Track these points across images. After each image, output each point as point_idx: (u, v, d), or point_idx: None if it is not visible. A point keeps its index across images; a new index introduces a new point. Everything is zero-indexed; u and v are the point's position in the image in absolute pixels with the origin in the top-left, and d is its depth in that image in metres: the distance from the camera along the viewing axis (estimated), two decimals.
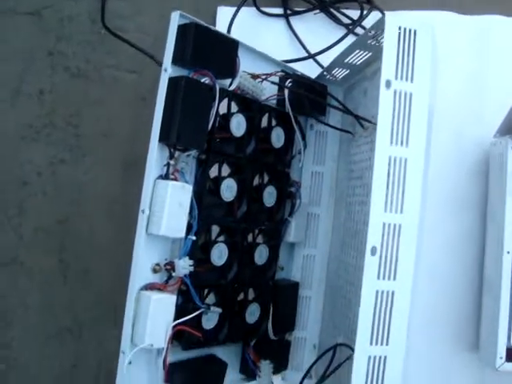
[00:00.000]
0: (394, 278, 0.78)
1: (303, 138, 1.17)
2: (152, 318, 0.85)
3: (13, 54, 1.36)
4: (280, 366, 1.13)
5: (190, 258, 0.90)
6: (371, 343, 0.77)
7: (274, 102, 1.12)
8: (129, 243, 0.89)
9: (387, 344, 0.77)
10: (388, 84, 0.81)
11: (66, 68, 1.38)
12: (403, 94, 0.81)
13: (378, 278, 0.77)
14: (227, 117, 0.98)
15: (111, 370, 0.87)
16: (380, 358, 0.78)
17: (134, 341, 0.86)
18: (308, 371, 1.03)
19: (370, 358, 0.77)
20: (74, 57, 1.38)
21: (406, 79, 0.81)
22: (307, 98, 1.10)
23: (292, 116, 1.11)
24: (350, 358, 0.95)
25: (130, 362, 0.86)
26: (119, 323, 0.87)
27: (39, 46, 1.38)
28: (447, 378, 1.22)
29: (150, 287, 0.88)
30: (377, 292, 0.77)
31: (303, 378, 1.04)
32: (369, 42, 0.96)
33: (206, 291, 0.97)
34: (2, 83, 1.34)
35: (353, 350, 0.93)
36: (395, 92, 0.80)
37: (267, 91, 1.09)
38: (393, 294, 0.78)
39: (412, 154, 0.80)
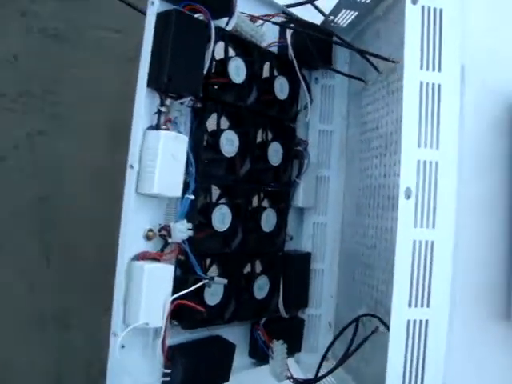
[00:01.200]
0: (433, 226, 0.65)
1: (309, 90, 1.04)
2: (147, 292, 0.73)
3: None
4: (293, 347, 1.01)
5: (189, 222, 0.77)
6: (410, 305, 0.65)
7: (275, 50, 0.99)
8: (118, 220, 0.77)
9: (428, 306, 0.65)
10: None
11: (42, 29, 1.24)
12: (432, 9, 0.68)
13: (415, 226, 0.65)
14: (225, 61, 0.85)
15: (104, 362, 0.74)
16: (421, 322, 0.65)
17: (127, 320, 0.74)
18: (327, 351, 0.91)
19: (408, 322, 0.65)
20: (50, 17, 1.24)
21: None
22: (312, 43, 0.97)
23: (296, 64, 0.97)
24: (376, 330, 0.83)
25: (122, 346, 0.74)
26: (111, 308, 0.74)
27: (10, 7, 1.24)
28: (479, 347, 1.11)
29: (142, 257, 0.76)
30: (414, 242, 0.64)
31: (322, 360, 0.91)
32: None
33: (208, 262, 0.84)
34: None
35: (381, 319, 0.81)
36: (423, 8, 0.67)
37: (268, 37, 0.96)
38: (432, 244, 0.65)
39: (446, 79, 0.67)
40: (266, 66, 0.95)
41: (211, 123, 0.84)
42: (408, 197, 0.65)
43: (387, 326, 0.79)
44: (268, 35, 0.96)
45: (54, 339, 1.14)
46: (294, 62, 0.98)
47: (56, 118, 1.20)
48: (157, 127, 0.76)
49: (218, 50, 0.86)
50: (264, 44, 0.95)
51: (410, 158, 0.66)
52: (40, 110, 1.20)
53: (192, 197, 0.78)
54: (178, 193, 0.76)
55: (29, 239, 1.16)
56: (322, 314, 1.06)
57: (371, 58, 0.91)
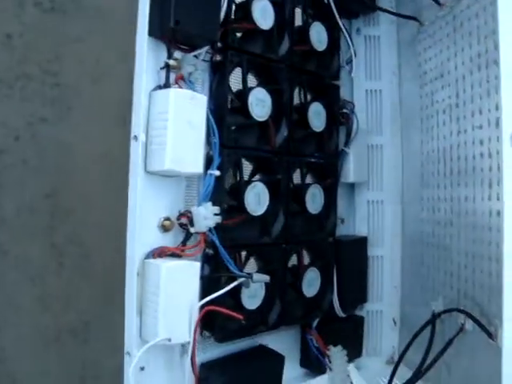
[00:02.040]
0: None
1: (351, 41, 0.85)
2: (166, 298, 0.56)
3: None
4: (353, 351, 0.83)
5: (215, 205, 0.60)
6: None
7: None
8: None
9: None
10: None
11: (37, 3, 1.08)
12: None
13: None
14: (247, 3, 0.67)
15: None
16: None
17: (144, 335, 0.57)
18: (399, 361, 0.72)
19: None
20: None
21: None
22: None
23: (334, 7, 0.79)
24: (462, 329, 0.65)
25: (142, 368, 0.57)
26: None
27: None
28: None
29: (159, 253, 0.59)
30: None
31: (395, 371, 0.73)
32: None
33: (243, 255, 0.67)
34: None
35: (469, 314, 0.63)
36: None
37: None
38: None
39: None
40: (298, 11, 0.76)
41: (236, 80, 0.67)
42: None
43: (479, 323, 0.61)
44: None
45: (71, 353, 0.99)
46: (332, 4, 0.80)
47: (58, 101, 1.04)
48: (165, 86, 0.59)
49: None
50: None
51: None
52: (40, 95, 1.04)
53: (217, 173, 0.61)
54: (199, 169, 0.59)
55: (37, 242, 1.01)
56: (384, 309, 0.89)
57: None
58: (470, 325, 0.66)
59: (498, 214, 0.58)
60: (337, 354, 0.77)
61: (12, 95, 1.05)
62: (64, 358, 1.00)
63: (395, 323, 0.89)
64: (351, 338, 0.85)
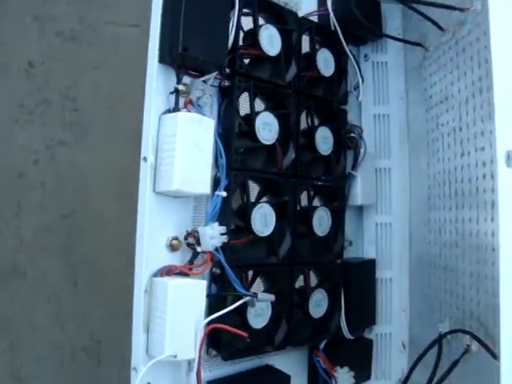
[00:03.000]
0: None
1: (358, 68, 0.87)
2: (173, 315, 0.58)
3: None
4: (361, 374, 0.83)
5: (221, 225, 0.62)
6: None
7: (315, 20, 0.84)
8: None
9: None
10: None
11: (58, 32, 1.13)
12: None
13: None
14: (255, 30, 0.70)
15: None
16: None
17: (150, 351, 0.58)
18: (407, 378, 0.73)
19: None
20: (64, 18, 1.13)
21: None
22: (358, 9, 0.81)
23: (341, 34, 0.82)
24: (468, 349, 0.65)
25: None
26: None
27: (23, 11, 1.13)
28: None
29: (166, 271, 0.61)
30: None
31: None
32: None
33: (250, 274, 0.68)
34: None
35: (473, 335, 0.63)
36: None
37: (304, 6, 0.81)
38: None
39: None
40: (305, 39, 0.79)
41: (244, 105, 0.69)
42: (509, 163, 0.47)
43: (483, 344, 0.61)
44: (305, 3, 0.81)
45: (86, 371, 1.00)
46: (339, 31, 0.82)
47: (76, 125, 1.08)
48: (174, 110, 0.61)
49: (247, 21, 0.71)
50: (300, 14, 0.80)
51: (507, 116, 0.48)
52: (59, 119, 1.08)
53: (224, 194, 0.63)
54: (206, 189, 0.61)
55: (54, 262, 1.04)
56: (393, 332, 0.89)
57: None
58: (475, 346, 0.66)
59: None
60: (343, 375, 0.77)
61: (32, 120, 1.09)
62: (78, 376, 1.01)
63: (404, 346, 0.88)
64: (359, 360, 0.84)
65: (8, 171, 1.06)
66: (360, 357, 0.85)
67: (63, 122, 1.09)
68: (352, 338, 0.82)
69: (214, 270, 0.66)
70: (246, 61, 0.70)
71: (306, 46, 0.80)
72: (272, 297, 0.65)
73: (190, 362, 0.62)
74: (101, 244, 1.03)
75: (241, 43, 0.70)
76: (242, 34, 0.71)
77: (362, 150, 0.86)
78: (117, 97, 1.08)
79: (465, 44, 0.70)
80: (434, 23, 0.76)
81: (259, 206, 0.68)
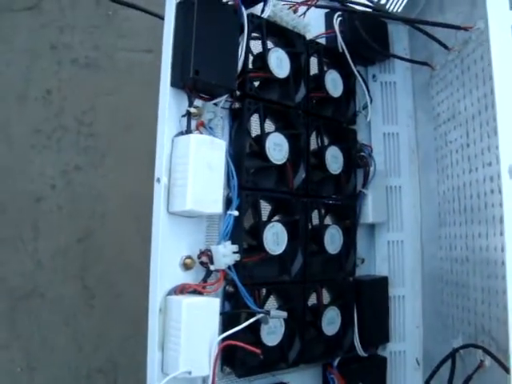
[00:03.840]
0: None
1: (367, 88, 0.89)
2: (187, 333, 0.59)
3: (14, 55, 1.16)
4: None
5: (234, 243, 0.63)
6: None
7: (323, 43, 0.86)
8: None
9: None
10: None
11: (74, 60, 1.17)
12: None
13: None
14: (263, 54, 0.72)
15: None
16: None
17: (165, 369, 0.59)
18: None
19: None
20: (80, 46, 1.17)
21: None
22: (366, 31, 0.83)
23: (349, 56, 0.83)
24: (481, 365, 0.65)
25: None
26: None
27: (41, 41, 1.17)
28: None
29: (180, 290, 0.62)
30: None
31: None
32: None
33: (263, 292, 0.69)
34: (6, 88, 1.14)
35: (486, 350, 0.63)
36: None
37: (312, 29, 0.83)
38: None
39: None
40: (314, 61, 0.81)
41: (254, 126, 0.71)
42: None
43: (495, 358, 0.62)
44: (312, 26, 0.83)
45: None
46: (346, 53, 0.84)
47: (92, 150, 1.11)
48: (187, 132, 0.63)
49: (256, 44, 0.74)
50: (309, 37, 0.82)
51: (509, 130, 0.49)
52: (75, 144, 1.11)
53: (236, 213, 0.65)
54: (218, 209, 0.63)
55: (70, 285, 1.05)
56: (407, 349, 0.89)
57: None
58: (488, 360, 0.66)
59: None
60: None
61: (49, 146, 1.12)
62: None
63: (418, 364, 0.88)
64: (374, 378, 0.84)
65: (26, 195, 1.09)
66: (374, 374, 0.85)
67: (79, 147, 1.12)
68: (366, 355, 0.82)
69: (227, 288, 0.67)
70: (256, 83, 0.72)
71: (314, 68, 0.82)
72: (285, 314, 0.66)
73: (204, 380, 0.63)
74: (117, 266, 1.05)
75: (250, 66, 0.72)
76: (251, 58, 0.72)
77: (372, 169, 0.87)
78: (132, 121, 1.11)
79: (470, 62, 0.71)
80: (440, 43, 0.77)
81: (271, 224, 0.69)
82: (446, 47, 0.77)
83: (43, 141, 1.12)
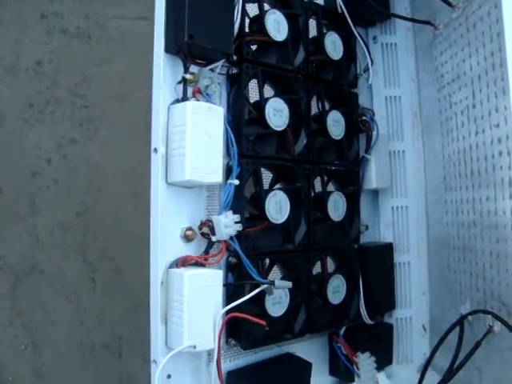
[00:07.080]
0: None
1: (367, 49, 0.86)
2: (190, 306, 0.57)
3: (1, 27, 1.12)
4: (382, 359, 0.82)
5: (235, 213, 0.61)
6: None
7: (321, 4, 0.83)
8: None
9: None
10: None
11: (64, 30, 1.13)
12: None
13: None
14: (260, 16, 0.69)
15: None
16: None
17: (169, 343, 0.58)
18: (427, 365, 0.72)
19: None
20: (70, 15, 1.13)
21: None
22: None
23: (348, 16, 0.80)
24: (490, 330, 0.64)
25: (168, 376, 0.58)
26: None
27: (30, 12, 1.13)
28: None
29: (182, 262, 0.60)
30: None
31: (422, 376, 0.72)
32: None
33: (267, 262, 0.68)
34: None
35: (496, 315, 0.62)
36: None
37: None
38: None
39: None
40: (312, 23, 0.78)
41: (253, 92, 0.68)
42: None
43: (505, 323, 0.60)
44: None
45: (107, 367, 1.01)
46: (346, 14, 0.81)
47: (86, 122, 1.08)
48: (183, 100, 0.61)
49: (252, 7, 0.71)
50: None
51: None
52: (69, 117, 1.08)
53: (236, 182, 0.63)
54: (218, 178, 0.61)
55: (71, 260, 1.04)
56: (413, 316, 0.88)
57: None
58: (497, 326, 0.65)
59: None
60: (365, 360, 0.77)
61: (43, 119, 1.09)
62: (100, 372, 1.02)
63: (425, 330, 0.88)
64: (380, 345, 0.84)
65: (21, 170, 1.07)
66: (381, 342, 0.84)
67: (73, 120, 1.09)
68: (372, 323, 0.81)
69: (229, 259, 0.65)
70: (253, 47, 0.69)
71: (313, 30, 0.79)
72: (289, 284, 0.65)
73: (209, 353, 0.62)
74: (117, 240, 1.04)
75: (247, 30, 0.69)
76: (247, 21, 0.70)
77: (374, 133, 0.85)
78: (127, 91, 1.08)
79: (475, 19, 0.68)
80: (443, 0, 0.74)
81: (273, 193, 0.67)
82: (449, 4, 0.73)
83: (36, 114, 1.09)
